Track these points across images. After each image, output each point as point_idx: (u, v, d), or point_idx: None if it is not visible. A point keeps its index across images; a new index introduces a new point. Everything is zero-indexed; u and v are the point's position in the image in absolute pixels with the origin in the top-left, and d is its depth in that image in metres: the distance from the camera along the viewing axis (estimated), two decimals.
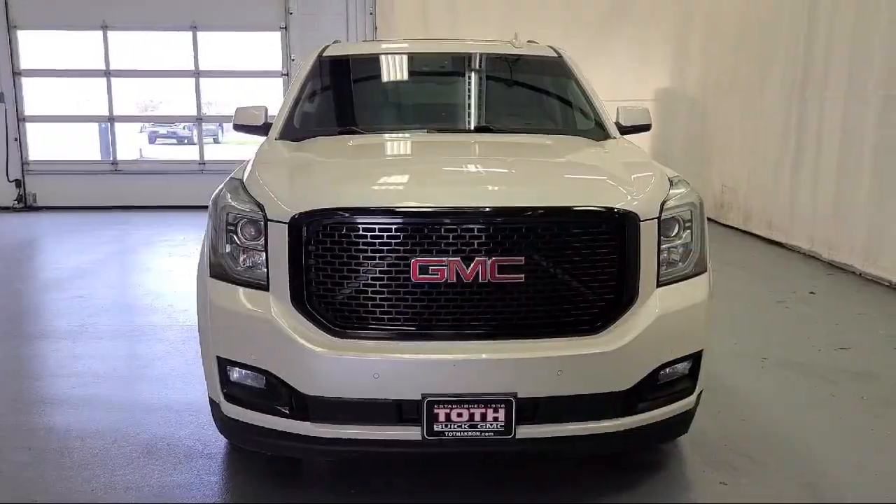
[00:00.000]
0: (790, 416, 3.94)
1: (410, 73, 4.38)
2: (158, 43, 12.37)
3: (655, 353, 2.87)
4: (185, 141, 30.22)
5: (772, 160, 9.12)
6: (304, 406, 2.78)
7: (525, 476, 3.28)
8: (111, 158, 12.54)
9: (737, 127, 10.12)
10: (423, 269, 2.70)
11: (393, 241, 2.71)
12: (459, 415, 2.71)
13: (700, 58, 11.21)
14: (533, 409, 2.75)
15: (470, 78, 4.32)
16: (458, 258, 2.70)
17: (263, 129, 4.30)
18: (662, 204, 2.93)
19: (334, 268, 2.75)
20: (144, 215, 11.53)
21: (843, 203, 7.57)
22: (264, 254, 2.85)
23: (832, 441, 3.65)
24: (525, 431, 2.76)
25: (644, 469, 3.34)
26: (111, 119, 12.31)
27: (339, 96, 4.42)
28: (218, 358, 2.95)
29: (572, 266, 2.77)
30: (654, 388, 2.91)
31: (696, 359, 3.04)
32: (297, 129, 4.06)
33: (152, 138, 29.04)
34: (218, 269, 2.96)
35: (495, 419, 2.72)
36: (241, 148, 13.21)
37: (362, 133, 3.88)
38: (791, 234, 8.66)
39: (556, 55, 4.62)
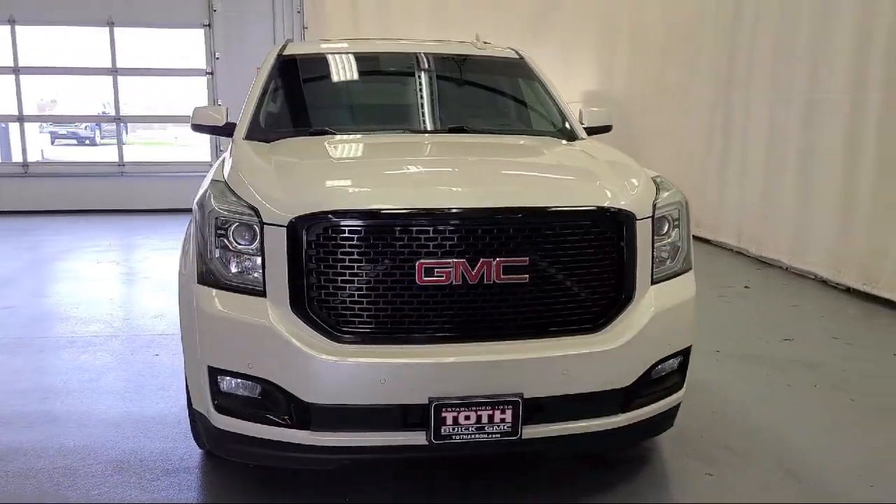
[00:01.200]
0: (756, 407, 4.09)
1: (377, 73, 4.31)
2: (72, 39, 11.78)
3: (653, 350, 2.92)
4: (87, 142, 28.91)
5: (699, 161, 9.47)
6: (306, 414, 2.70)
7: (521, 476, 3.28)
8: (20, 160, 11.85)
9: (664, 128, 10.45)
10: (429, 271, 2.66)
11: (397, 243, 2.66)
12: (467, 417, 2.69)
13: (626, 60, 11.50)
14: (537, 409, 2.76)
15: (438, 79, 4.29)
16: (464, 259, 2.67)
17: (224, 130, 4.16)
18: (654, 203, 2.99)
19: (336, 271, 2.67)
20: (60, 220, 10.95)
21: (770, 202, 7.93)
22: (259, 258, 2.75)
23: (800, 429, 3.81)
24: (530, 431, 2.76)
25: (631, 464, 3.40)
26: (21, 119, 11.64)
27: (307, 97, 4.30)
28: (209, 368, 2.82)
29: (575, 265, 2.79)
30: (650, 384, 2.97)
31: (685, 354, 3.12)
32: (265, 129, 3.93)
33: (52, 139, 27.63)
34: (207, 275, 2.83)
35: (502, 420, 2.71)
36: (152, 149, 12.63)
37: (334, 134, 3.79)
38: (719, 232, 9.03)
39: (518, 56, 4.65)
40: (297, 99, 4.28)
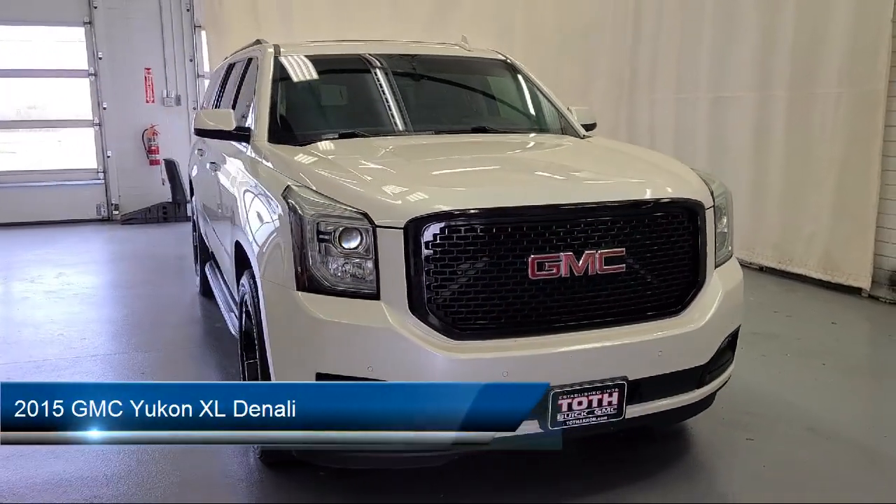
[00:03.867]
0: (750, 376, 4.48)
1: (387, 74, 4.30)
2: None
3: (723, 328, 3.20)
4: None
5: None
6: None
7: (571, 457, 3.44)
8: None
9: None
10: (540, 266, 2.79)
11: (510, 240, 2.76)
12: (580, 403, 2.83)
13: (522, 60, 11.87)
14: (637, 390, 2.94)
15: (447, 81, 4.39)
16: (571, 253, 2.82)
17: (233, 135, 4.01)
18: (711, 192, 3.26)
19: (453, 270, 2.73)
20: None
21: None
22: (370, 262, 2.76)
23: (797, 392, 4.25)
24: (631, 411, 2.94)
25: (679, 438, 3.66)
26: None
27: (325, 99, 4.25)
28: (318, 375, 2.78)
29: (661, 253, 3.01)
30: (717, 359, 3.24)
31: (736, 333, 3.41)
32: (287, 133, 3.85)
33: None
34: (310, 281, 2.79)
35: (609, 403, 2.88)
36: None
37: (365, 136, 3.80)
38: None
39: (504, 58, 4.81)
40: (314, 101, 4.22)
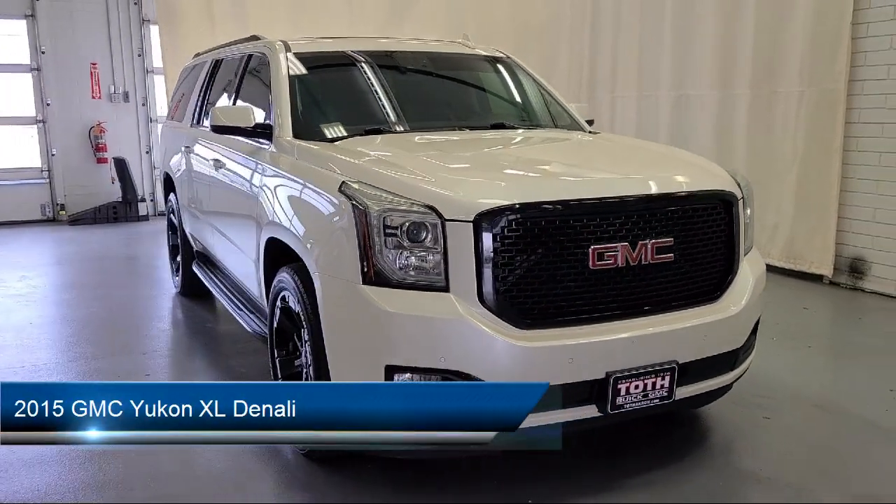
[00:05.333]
0: None
1: (401, 72, 4.32)
2: None
3: (755, 313, 3.40)
4: None
5: None
6: None
7: (619, 436, 3.59)
8: None
9: None
10: (600, 256, 2.90)
11: (572, 231, 2.86)
12: (637, 387, 2.97)
13: None
14: (684, 373, 3.09)
15: (458, 79, 4.46)
16: (627, 243, 2.94)
17: (252, 131, 3.98)
18: (738, 184, 3.44)
19: (520, 261, 2.82)
20: None
21: None
22: (438, 255, 2.81)
23: (793, 374, 4.51)
24: (679, 393, 3.09)
25: (700, 419, 3.84)
26: None
27: (345, 95, 4.21)
28: (387, 367, 2.82)
29: (703, 242, 3.17)
30: (747, 343, 3.43)
31: (759, 318, 3.61)
32: (311, 130, 3.85)
33: None
34: (377, 276, 2.83)
35: (662, 386, 3.02)
36: None
37: (390, 132, 3.85)
38: None
39: (505, 56, 4.91)
40: (334, 98, 4.21)
